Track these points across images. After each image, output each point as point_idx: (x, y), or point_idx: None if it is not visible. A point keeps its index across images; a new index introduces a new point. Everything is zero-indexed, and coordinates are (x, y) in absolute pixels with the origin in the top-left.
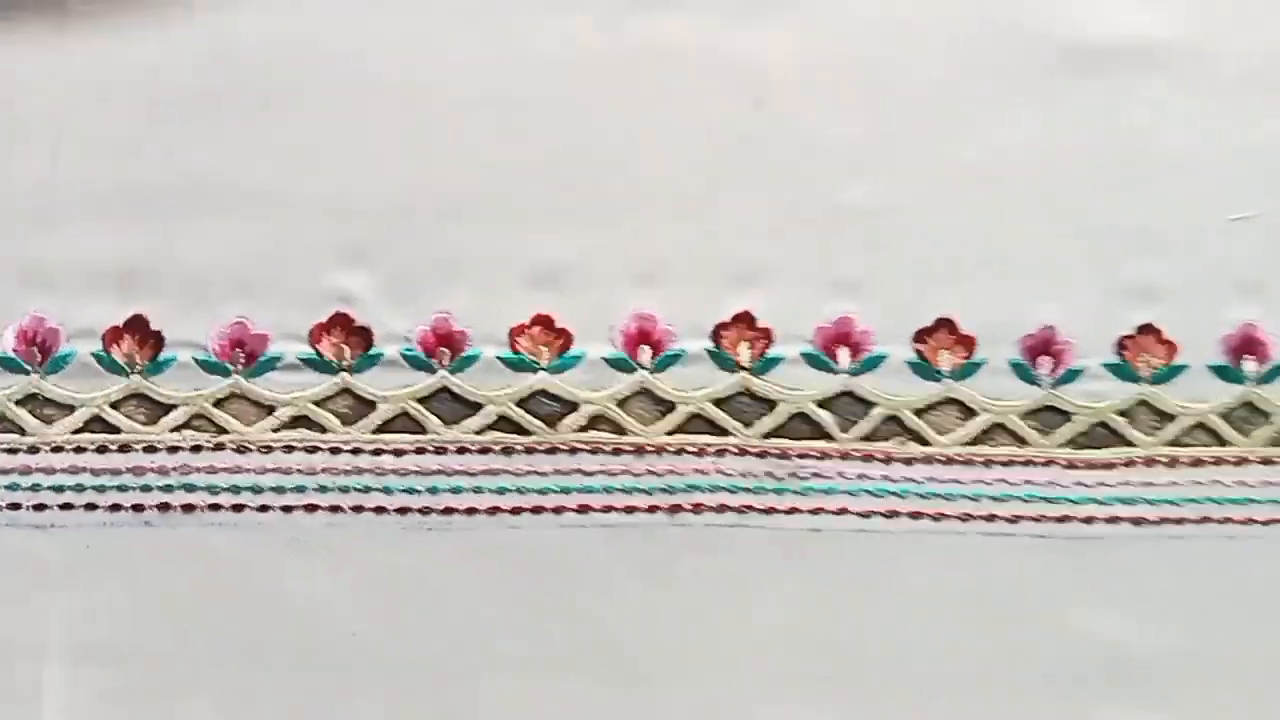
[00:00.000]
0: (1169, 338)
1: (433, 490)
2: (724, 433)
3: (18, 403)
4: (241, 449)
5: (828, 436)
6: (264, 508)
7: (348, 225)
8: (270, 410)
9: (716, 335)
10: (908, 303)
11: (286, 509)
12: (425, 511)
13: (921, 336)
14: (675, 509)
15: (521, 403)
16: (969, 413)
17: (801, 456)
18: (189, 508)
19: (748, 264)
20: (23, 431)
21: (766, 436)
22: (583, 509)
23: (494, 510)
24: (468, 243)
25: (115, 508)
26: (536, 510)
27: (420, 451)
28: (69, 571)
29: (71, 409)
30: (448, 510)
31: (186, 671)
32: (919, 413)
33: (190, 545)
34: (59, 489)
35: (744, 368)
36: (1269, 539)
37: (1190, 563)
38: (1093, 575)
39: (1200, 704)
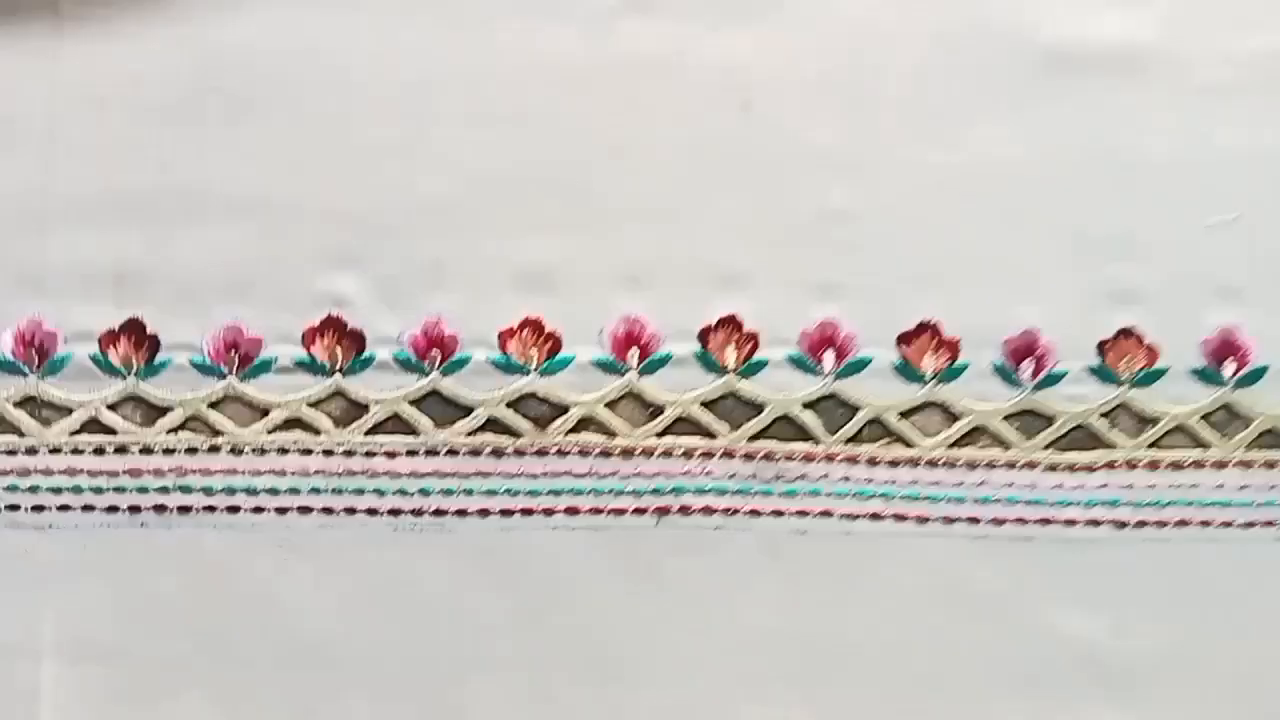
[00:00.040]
0: (1150, 341)
1: (424, 492)
2: (711, 435)
3: (16, 405)
4: (236, 451)
5: (813, 439)
6: (258, 509)
7: (340, 229)
8: (264, 412)
9: (703, 338)
10: (892, 306)
11: (280, 510)
12: (417, 513)
13: (905, 340)
14: (663, 510)
15: (511, 405)
16: (952, 416)
17: (787, 459)
18: (184, 509)
19: (734, 268)
20: (21, 433)
21: (753, 439)
22: (572, 510)
23: (484, 512)
24: (458, 247)
25: (112, 509)
26: (526, 511)
27: (412, 453)
28: (66, 571)
29: (69, 411)
30: (439, 512)
31: (181, 670)
32: (903, 415)
33: (185, 546)
34: (56, 490)
35: (730, 371)
36: (1248, 541)
37: (1170, 565)
38: (1074, 577)
39: (1180, 705)
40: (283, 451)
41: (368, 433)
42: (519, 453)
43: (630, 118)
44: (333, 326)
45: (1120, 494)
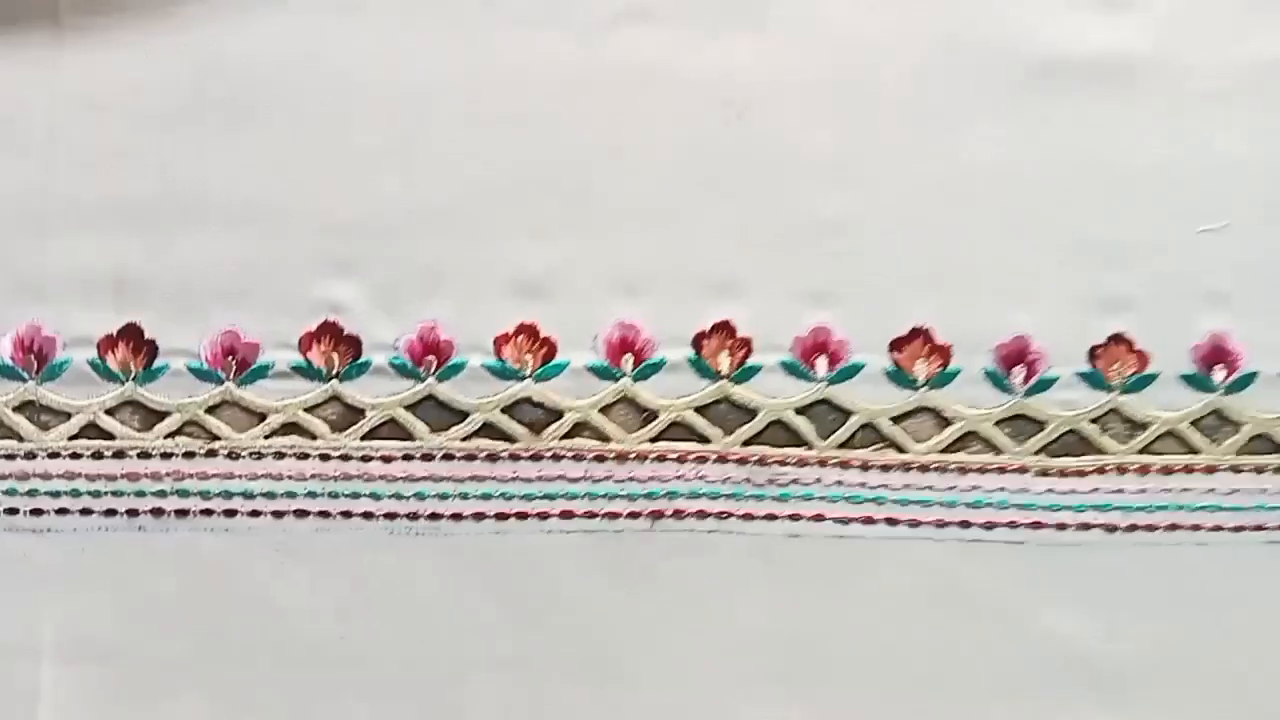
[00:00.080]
0: (1140, 347)
1: (420, 496)
2: (704, 440)
3: (15, 409)
4: (233, 455)
5: (806, 444)
6: (255, 513)
7: (337, 236)
8: (261, 417)
9: (697, 344)
10: (884, 313)
11: (277, 514)
12: (412, 516)
13: (897, 346)
14: (657, 515)
15: (506, 410)
16: (944, 421)
17: (780, 463)
18: (182, 513)
19: (728, 275)
20: (20, 438)
21: (746, 444)
22: (566, 514)
23: (479, 515)
24: (454, 253)
25: (110, 512)
26: (521, 515)
27: (407, 458)
28: (65, 574)
29: (67, 415)
30: (434, 515)
31: (179, 672)
32: (895, 420)
33: (183, 549)
34: (55, 494)
35: (724, 376)
36: (1237, 545)
37: (1161, 569)
38: (1065, 581)
39: (1171, 707)
40: (279, 456)
41: (364, 437)
42: (514, 457)
43: (626, 125)
44: (329, 332)
45: (1111, 498)
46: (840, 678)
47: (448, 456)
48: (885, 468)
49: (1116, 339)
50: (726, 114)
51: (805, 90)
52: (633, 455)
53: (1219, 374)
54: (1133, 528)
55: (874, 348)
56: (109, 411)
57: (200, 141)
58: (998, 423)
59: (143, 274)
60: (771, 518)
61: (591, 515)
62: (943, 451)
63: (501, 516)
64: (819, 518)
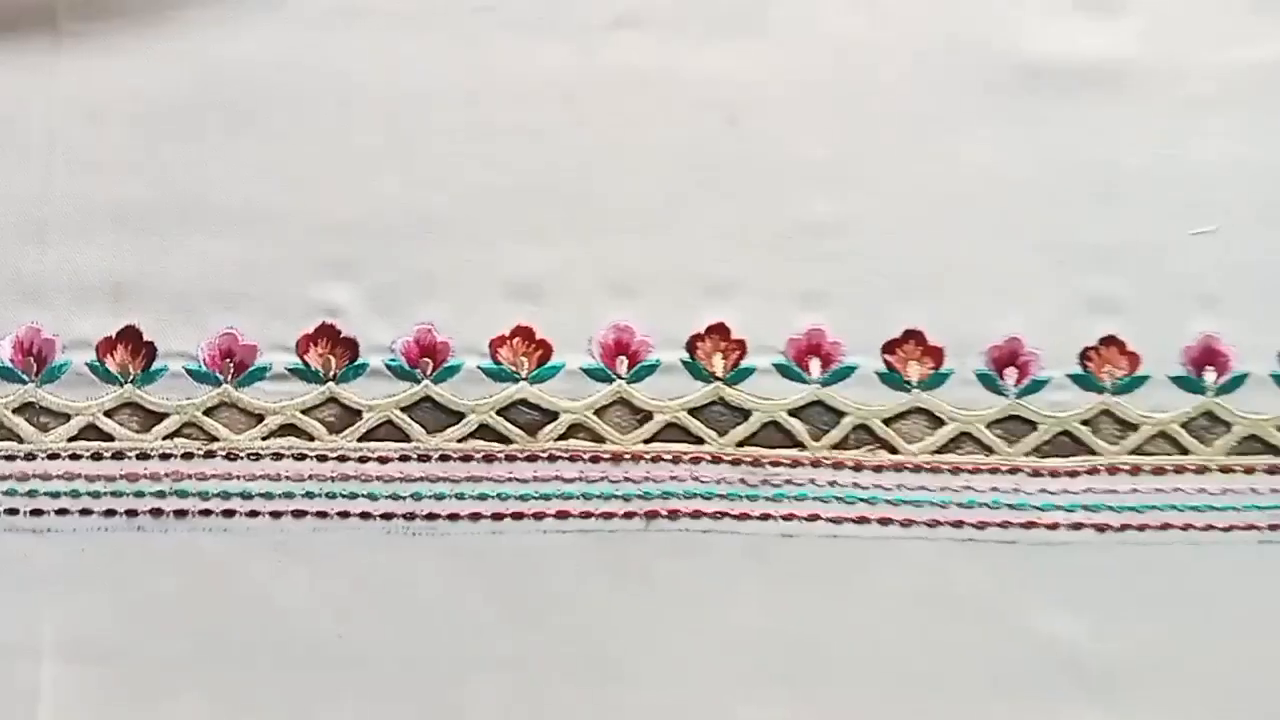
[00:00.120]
0: (1131, 349)
1: (416, 496)
2: (699, 441)
3: (15, 411)
4: (231, 456)
5: (799, 445)
6: (253, 513)
7: (333, 240)
8: (259, 419)
9: (691, 346)
10: (877, 315)
11: (275, 514)
12: (409, 517)
13: (890, 348)
14: (652, 515)
15: (502, 411)
16: (937, 422)
17: (774, 464)
18: (180, 513)
19: (722, 277)
20: (20, 439)
21: (740, 445)
22: (562, 515)
23: (476, 516)
24: (450, 257)
25: (109, 513)
26: (517, 516)
27: (404, 459)
28: (64, 574)
29: (67, 417)
30: (431, 516)
31: (177, 671)
32: (888, 422)
33: (181, 549)
34: (55, 495)
35: (718, 378)
36: (1228, 545)
37: (1152, 569)
38: (1057, 580)
39: (1162, 706)
40: (277, 457)
41: (361, 438)
42: (510, 458)
43: (621, 129)
44: (326, 335)
45: (1103, 499)
46: (834, 676)
47: (444, 457)
48: (878, 468)
49: (1108, 341)
50: (721, 118)
51: (799, 94)
52: (627, 456)
53: (1209, 375)
54: (1124, 528)
55: (867, 349)
56: (108, 413)
57: (198, 146)
58: (990, 424)
59: (141, 277)
60: (765, 518)
61: (587, 515)
62: (935, 452)
63: (498, 517)
64: (813, 518)
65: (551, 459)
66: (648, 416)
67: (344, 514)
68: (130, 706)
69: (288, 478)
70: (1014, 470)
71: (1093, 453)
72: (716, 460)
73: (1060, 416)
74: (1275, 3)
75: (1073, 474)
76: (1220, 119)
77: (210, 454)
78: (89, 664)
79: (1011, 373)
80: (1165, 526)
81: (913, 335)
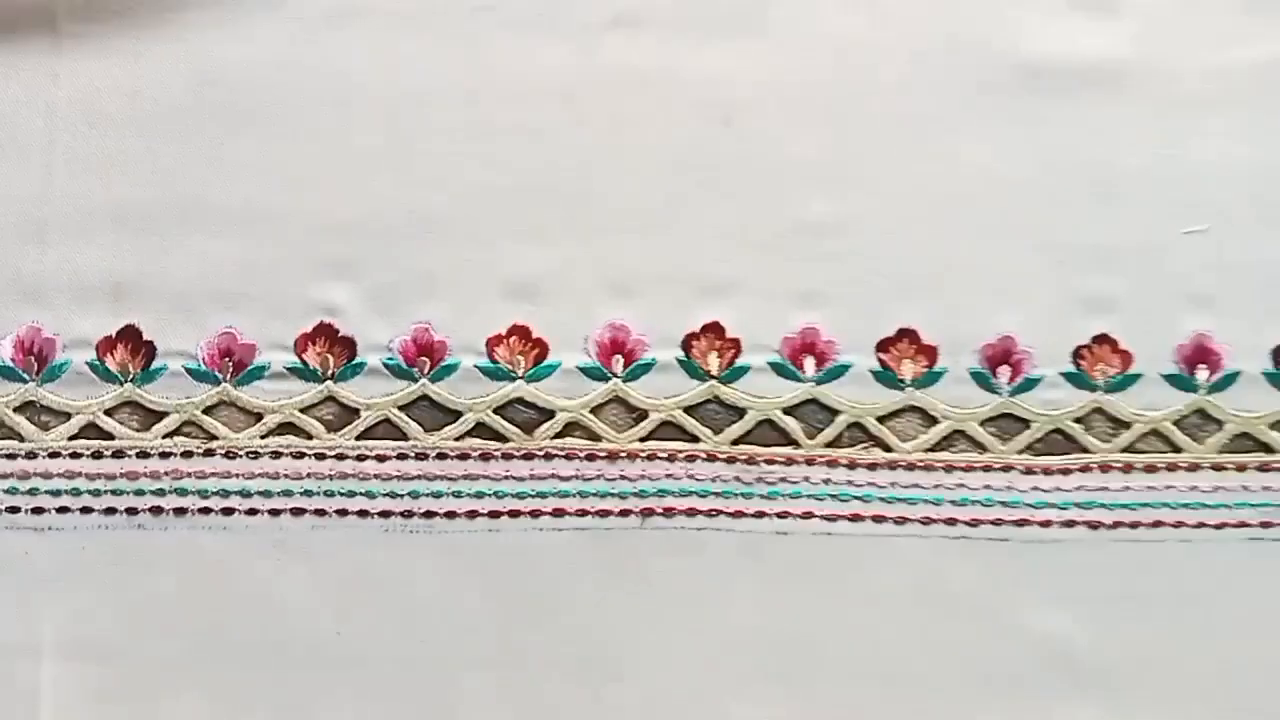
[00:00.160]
0: (1124, 347)
1: (414, 494)
2: (694, 439)
3: (16, 410)
4: (230, 455)
5: (794, 443)
6: (252, 511)
7: (332, 240)
8: (258, 417)
9: (687, 345)
10: (871, 313)
11: (273, 512)
12: (406, 515)
13: (884, 346)
14: (647, 513)
15: (499, 410)
16: (930, 420)
17: (769, 462)
18: (180, 511)
19: (717, 276)
20: (21, 438)
21: (735, 443)
22: (558, 512)
23: (473, 514)
24: (447, 256)
25: (109, 511)
26: (514, 514)
27: (402, 457)
28: (65, 572)
29: (67, 416)
30: (428, 514)
31: (177, 669)
32: (882, 420)
33: (182, 547)
34: (55, 493)
35: (713, 376)
36: (1220, 542)
37: (1144, 566)
38: (1049, 577)
39: (1154, 702)
40: (276, 455)
41: (359, 437)
42: (506, 456)
43: (619, 129)
44: (324, 334)
45: (1095, 496)
46: (828, 674)
47: (441, 456)
48: (872, 466)
49: (1101, 339)
50: (717, 118)
51: (794, 95)
52: (623, 454)
53: (1202, 374)
54: (1116, 525)
55: (861, 348)
56: (108, 412)
57: (197, 146)
58: (983, 422)
59: (141, 277)
60: (760, 515)
61: (583, 513)
62: (929, 450)
63: (494, 515)
64: (807, 515)
65: (548, 457)
66: (643, 415)
67: (342, 512)
68: (130, 705)
69: (286, 476)
70: (1007, 468)
71: (1085, 451)
72: (712, 458)
73: (1053, 414)
74: (1271, 3)
75: (1065, 472)
76: (1215, 119)
77: (209, 452)
78: (89, 663)
79: (1005, 371)
80: (1157, 524)
81: (907, 334)
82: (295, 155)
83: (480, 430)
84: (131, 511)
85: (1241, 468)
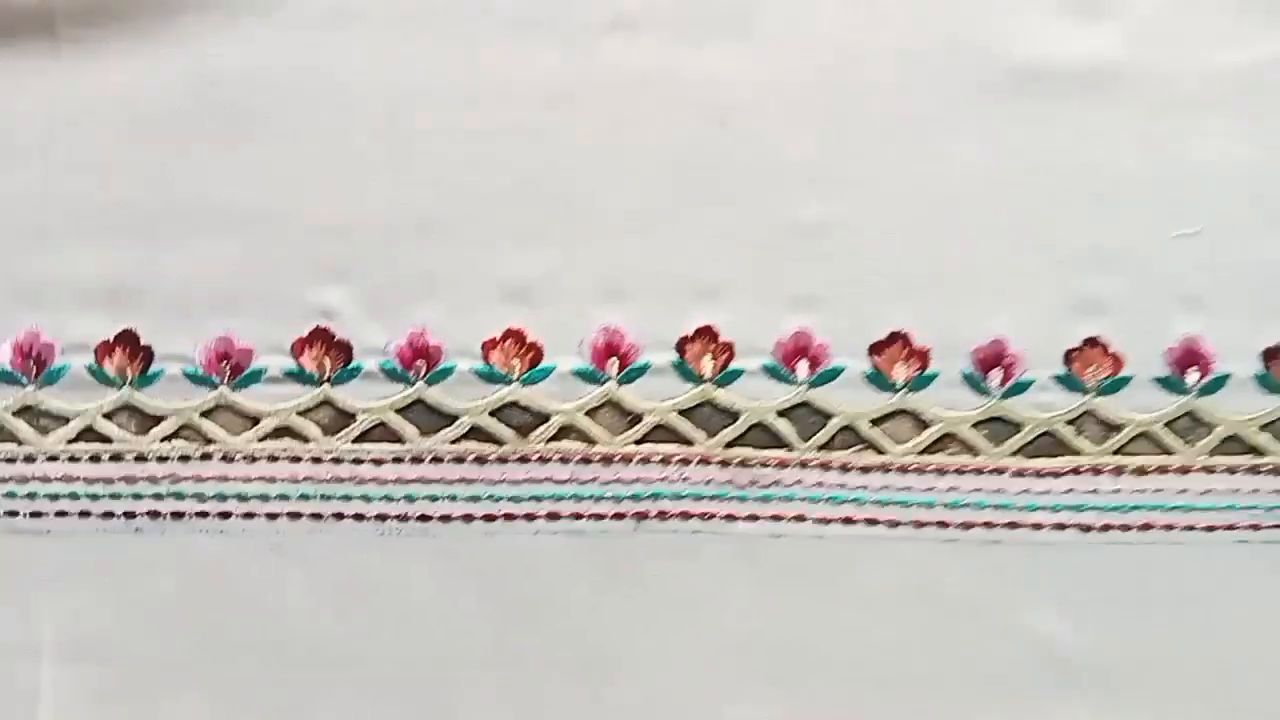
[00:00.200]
0: (1115, 350)
1: (410, 498)
2: (688, 442)
3: (14, 414)
4: (227, 458)
5: (787, 446)
6: (249, 514)
7: (328, 243)
8: (255, 421)
9: (681, 348)
10: (864, 317)
11: (270, 516)
12: (402, 518)
13: (877, 349)
14: (641, 516)
15: (494, 413)
16: (922, 423)
17: (762, 465)
18: (178, 514)
19: (711, 280)
20: (19, 441)
21: (728, 446)
22: (553, 515)
23: (468, 517)
24: (443, 260)
25: (108, 514)
26: (509, 517)
27: (398, 460)
28: (63, 576)
29: (66, 420)
30: (424, 517)
31: (175, 671)
32: (874, 423)
33: (179, 551)
34: (54, 497)
35: (707, 380)
36: (1210, 544)
37: (1135, 568)
38: (1041, 580)
39: (1145, 704)
40: (273, 459)
41: (355, 440)
42: (501, 460)
43: (613, 132)
44: (321, 338)
45: (1086, 499)
46: (822, 675)
47: (437, 459)
48: (865, 469)
49: (1092, 342)
50: (710, 122)
51: (788, 97)
52: (618, 458)
53: (1192, 377)
54: (1107, 528)
55: (854, 351)
56: (106, 416)
57: (194, 150)
58: (975, 425)
59: (138, 281)
60: (754, 519)
61: (577, 516)
62: (921, 453)
63: (489, 518)
64: (800, 518)
65: (543, 460)
66: (638, 418)
67: (338, 515)
68: (130, 706)
69: (283, 479)
70: (999, 471)
71: (1076, 453)
72: (705, 461)
73: (1044, 417)
74: (1265, 5)
75: (1056, 474)
76: (1206, 122)
77: (207, 456)
78: (89, 664)
79: (996, 374)
80: (1147, 526)
81: (899, 337)
82: (293, 159)
83: (475, 433)
84: (130, 515)
85: (1232, 470)
